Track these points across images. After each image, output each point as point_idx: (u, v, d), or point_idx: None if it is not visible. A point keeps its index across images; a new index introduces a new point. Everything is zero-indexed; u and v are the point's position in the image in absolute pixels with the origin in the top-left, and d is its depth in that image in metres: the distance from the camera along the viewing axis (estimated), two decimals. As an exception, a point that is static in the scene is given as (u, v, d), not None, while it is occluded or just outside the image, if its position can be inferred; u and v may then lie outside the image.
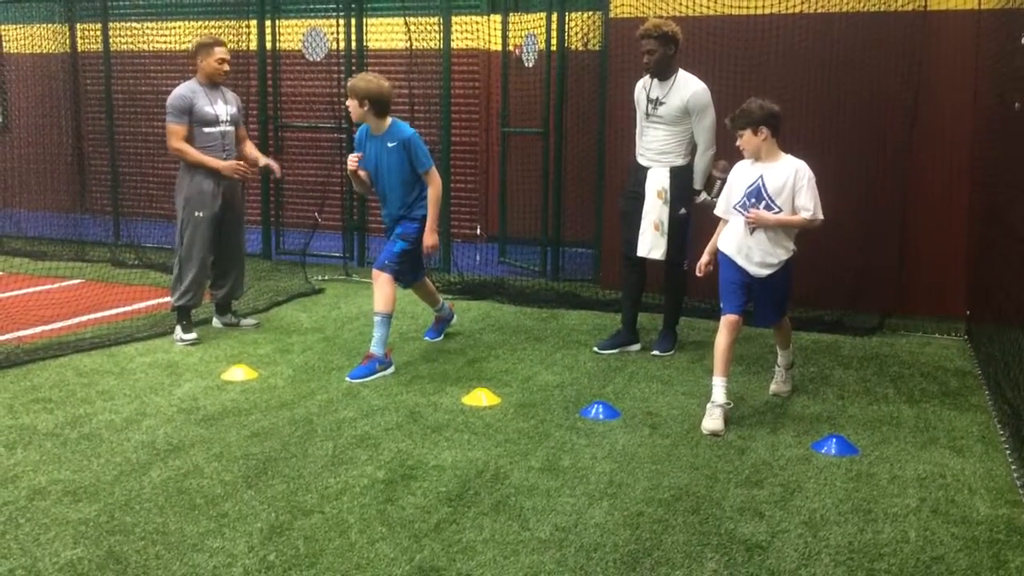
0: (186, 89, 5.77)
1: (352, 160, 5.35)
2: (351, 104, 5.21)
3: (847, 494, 3.64)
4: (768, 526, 3.34)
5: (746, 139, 4.45)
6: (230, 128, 5.91)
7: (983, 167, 6.13)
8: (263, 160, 6.18)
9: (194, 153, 5.71)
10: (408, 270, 5.56)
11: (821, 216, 4.42)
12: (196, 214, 5.78)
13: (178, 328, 5.81)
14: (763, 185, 4.43)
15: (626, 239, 5.69)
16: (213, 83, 5.83)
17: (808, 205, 4.39)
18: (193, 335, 5.79)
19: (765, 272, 4.49)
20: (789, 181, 4.40)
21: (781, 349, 4.89)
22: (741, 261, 4.49)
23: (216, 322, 6.21)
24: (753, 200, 4.44)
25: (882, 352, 5.85)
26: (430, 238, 5.34)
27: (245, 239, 6.34)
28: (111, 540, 3.15)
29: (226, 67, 5.86)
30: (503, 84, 8.71)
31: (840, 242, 6.62)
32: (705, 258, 4.64)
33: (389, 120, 5.28)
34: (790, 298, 4.77)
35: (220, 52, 5.80)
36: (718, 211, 4.68)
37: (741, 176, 4.54)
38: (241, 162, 5.85)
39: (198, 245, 5.81)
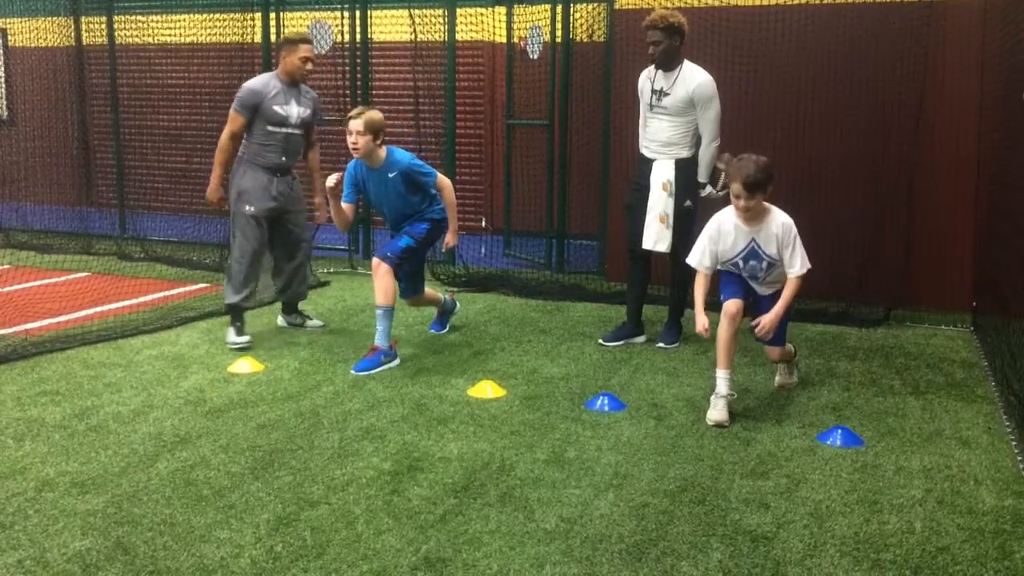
0: (260, 83, 5.56)
1: (333, 179, 5.11)
2: (364, 140, 5.03)
3: (852, 485, 3.64)
4: (774, 517, 3.35)
5: (756, 202, 4.27)
6: (297, 131, 5.67)
7: (990, 158, 6.11)
8: (318, 198, 5.91)
9: (223, 155, 5.51)
10: (407, 277, 5.55)
11: (808, 265, 4.38)
12: (247, 208, 5.56)
13: (230, 330, 5.59)
14: (758, 247, 4.39)
15: (631, 232, 5.68)
16: (293, 81, 5.62)
17: (795, 263, 4.36)
18: (246, 338, 5.54)
19: (771, 291, 4.55)
20: (779, 238, 4.35)
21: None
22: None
23: (281, 320, 6.06)
24: (753, 262, 4.43)
25: (888, 344, 5.84)
26: (453, 238, 5.53)
27: (308, 237, 6.07)
28: (119, 531, 3.17)
29: (310, 66, 5.62)
30: (508, 76, 8.70)
31: (846, 234, 6.62)
32: (703, 320, 4.44)
33: (384, 148, 5.22)
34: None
35: (305, 50, 5.57)
36: (692, 261, 4.53)
37: (730, 240, 4.42)
38: (222, 200, 5.58)
39: (249, 241, 5.59)
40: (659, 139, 5.51)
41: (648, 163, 5.56)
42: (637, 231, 5.59)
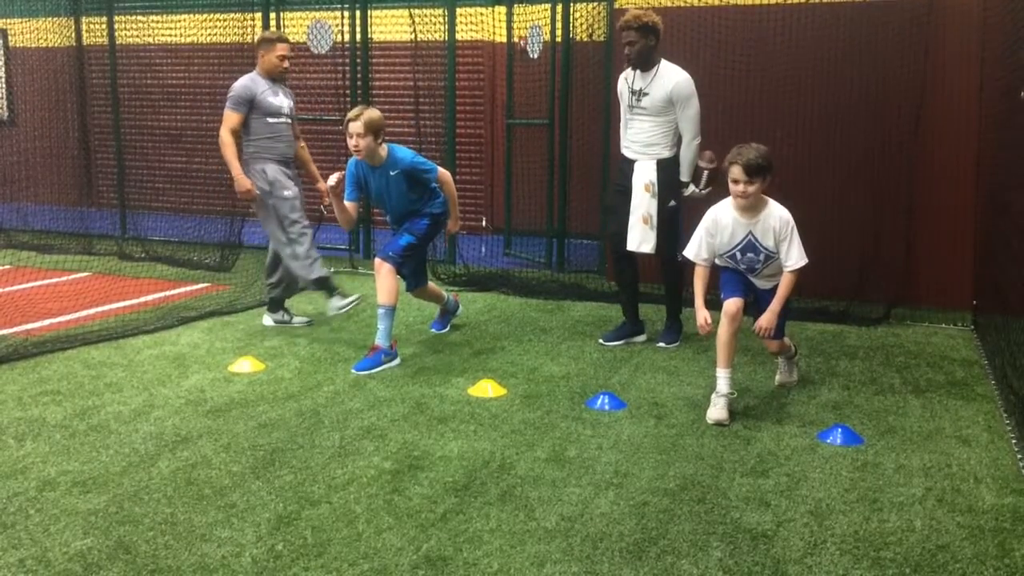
0: (249, 80, 5.78)
1: (334, 178, 5.16)
2: (365, 142, 5.04)
3: (852, 483, 3.65)
4: (774, 515, 3.35)
5: (755, 189, 4.26)
6: (290, 121, 5.93)
7: (990, 156, 6.11)
8: (320, 183, 6.05)
9: (232, 149, 5.69)
10: (410, 272, 5.58)
11: (806, 259, 4.37)
12: (285, 193, 5.78)
13: (335, 299, 5.79)
14: (755, 240, 4.39)
15: (613, 233, 5.67)
16: (272, 78, 5.83)
17: (792, 257, 4.35)
18: (354, 296, 5.81)
19: (770, 285, 4.55)
20: (777, 231, 4.35)
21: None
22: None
23: (267, 320, 6.08)
24: (750, 255, 4.43)
25: (888, 342, 5.84)
26: (455, 225, 5.67)
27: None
28: (120, 530, 3.17)
29: (286, 64, 5.86)
30: (508, 76, 8.70)
31: (846, 232, 6.62)
32: (704, 314, 4.44)
33: (385, 147, 5.24)
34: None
35: (282, 48, 5.81)
36: (690, 254, 4.53)
37: (727, 233, 4.42)
38: (252, 190, 5.74)
39: (304, 218, 5.83)
40: (640, 140, 5.48)
41: (630, 164, 5.54)
42: (620, 231, 5.57)
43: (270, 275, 6.02)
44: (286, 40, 5.91)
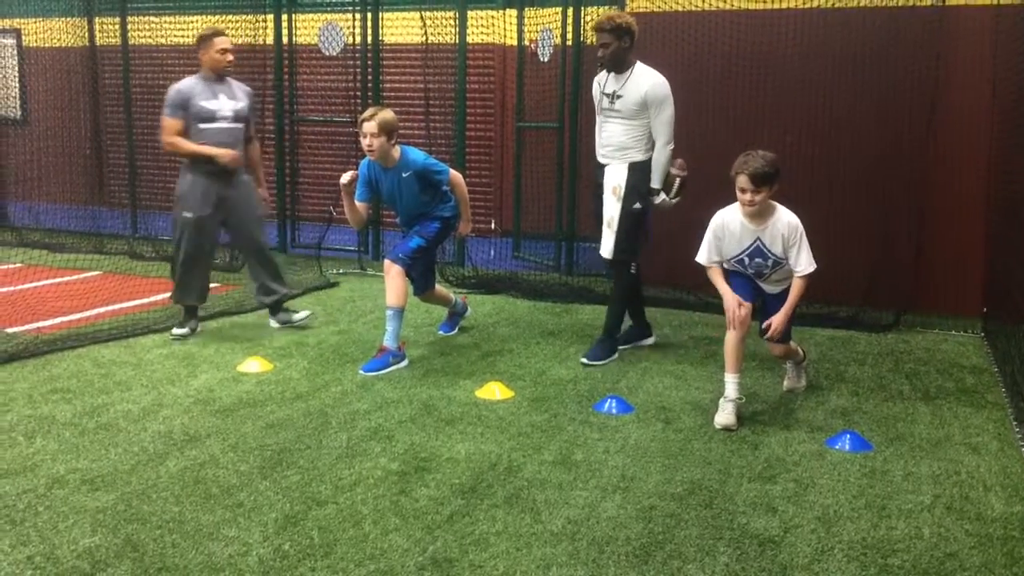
0: (185, 84, 5.59)
1: (347, 176, 5.16)
2: (379, 142, 5.04)
3: (861, 490, 3.63)
4: (781, 521, 3.34)
5: (762, 197, 4.25)
6: (234, 125, 5.67)
7: (1002, 163, 6.09)
8: (262, 190, 6.02)
9: (187, 145, 5.51)
10: (419, 275, 5.59)
11: (815, 265, 4.37)
12: (184, 215, 5.62)
13: (182, 327, 5.75)
14: (763, 245, 4.38)
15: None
16: (219, 76, 5.66)
17: (802, 262, 4.35)
18: (184, 330, 5.68)
19: (779, 289, 4.54)
20: (786, 237, 4.35)
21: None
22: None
23: (273, 323, 6.06)
24: (758, 260, 4.43)
25: (898, 349, 5.82)
26: (467, 227, 5.67)
27: (263, 237, 6.01)
28: (128, 528, 3.18)
29: (229, 57, 5.63)
30: (518, 79, 8.70)
31: (857, 238, 6.60)
32: (735, 298, 4.40)
33: (397, 148, 5.24)
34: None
35: (220, 43, 5.59)
36: (702, 260, 4.52)
37: (735, 239, 4.42)
38: (237, 155, 5.58)
39: (184, 246, 5.66)
40: (613, 143, 5.34)
41: (602, 169, 5.42)
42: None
43: (253, 280, 6.04)
44: (223, 33, 5.73)
